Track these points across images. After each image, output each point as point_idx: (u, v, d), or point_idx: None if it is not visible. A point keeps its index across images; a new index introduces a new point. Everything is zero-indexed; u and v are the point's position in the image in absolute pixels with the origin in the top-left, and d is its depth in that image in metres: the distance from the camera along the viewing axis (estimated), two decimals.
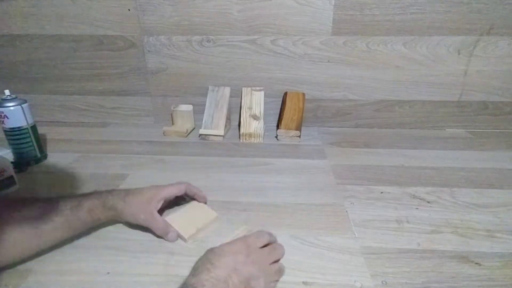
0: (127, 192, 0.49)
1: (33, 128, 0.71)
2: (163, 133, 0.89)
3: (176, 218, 0.50)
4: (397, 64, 0.86)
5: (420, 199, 0.58)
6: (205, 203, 0.55)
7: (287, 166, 0.71)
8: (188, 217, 0.51)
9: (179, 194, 0.51)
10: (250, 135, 0.84)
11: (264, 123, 0.87)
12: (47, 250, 0.44)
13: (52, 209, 0.43)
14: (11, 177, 0.60)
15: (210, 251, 0.38)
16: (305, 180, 0.64)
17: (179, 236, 0.48)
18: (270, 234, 0.43)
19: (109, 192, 0.49)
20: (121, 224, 0.51)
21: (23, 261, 0.42)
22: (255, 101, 0.89)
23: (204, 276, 0.34)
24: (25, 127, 0.69)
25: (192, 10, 0.84)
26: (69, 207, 0.44)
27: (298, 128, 0.84)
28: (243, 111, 0.88)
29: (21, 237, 0.41)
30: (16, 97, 0.68)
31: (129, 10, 0.85)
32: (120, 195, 0.48)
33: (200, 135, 0.86)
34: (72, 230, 0.45)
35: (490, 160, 0.73)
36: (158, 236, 0.47)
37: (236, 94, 0.91)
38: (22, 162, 0.70)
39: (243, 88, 0.90)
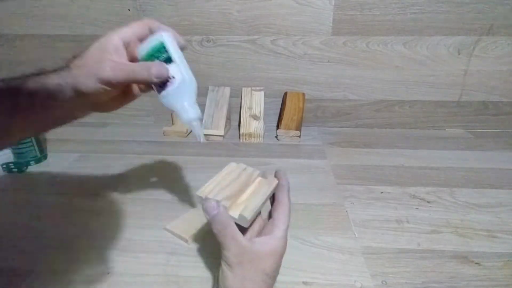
0: (69, 60, 0.37)
1: None
2: (163, 133, 0.89)
3: (177, 223, 0.50)
4: (397, 64, 0.86)
5: (420, 199, 0.58)
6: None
7: (287, 166, 0.71)
8: (188, 221, 0.51)
9: (139, 32, 0.37)
10: (250, 135, 0.84)
11: (264, 123, 0.87)
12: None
13: None
14: None
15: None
16: (305, 180, 0.64)
17: (180, 237, 0.47)
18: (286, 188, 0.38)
19: (53, 71, 0.36)
20: (121, 224, 0.51)
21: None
22: (255, 101, 0.89)
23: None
24: None
25: (192, 10, 0.84)
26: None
27: (298, 128, 0.84)
28: (243, 111, 0.88)
29: None
30: None
31: (129, 10, 0.85)
32: (64, 69, 0.36)
33: None
34: (18, 122, 0.35)
35: (490, 160, 0.73)
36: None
37: (236, 94, 0.91)
38: (22, 162, 0.70)
39: (243, 88, 0.90)
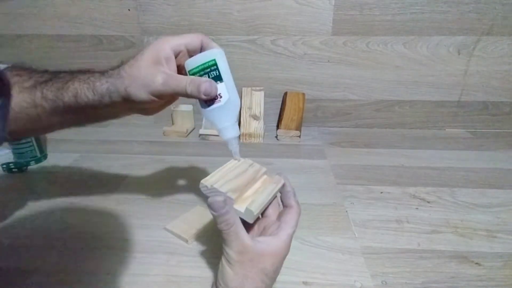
0: (122, 67, 0.37)
1: None
2: (163, 133, 0.89)
3: (177, 223, 0.50)
4: (397, 64, 0.86)
5: (420, 199, 0.58)
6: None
7: (287, 166, 0.71)
8: (188, 221, 0.51)
9: (191, 44, 0.37)
10: (250, 135, 0.84)
11: (264, 123, 0.87)
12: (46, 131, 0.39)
13: (39, 90, 0.35)
14: None
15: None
16: (305, 180, 0.64)
17: (180, 237, 0.47)
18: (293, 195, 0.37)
19: (102, 74, 0.37)
20: (121, 224, 0.51)
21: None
22: (255, 101, 0.89)
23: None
24: None
25: (192, 10, 0.84)
26: (54, 88, 0.35)
27: (298, 128, 0.84)
28: (243, 111, 0.88)
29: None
30: None
31: (129, 10, 0.85)
32: (114, 74, 0.36)
33: (200, 135, 0.86)
34: (61, 116, 0.36)
35: (490, 160, 0.73)
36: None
37: None
38: (22, 162, 0.70)
39: (243, 88, 0.90)
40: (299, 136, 0.84)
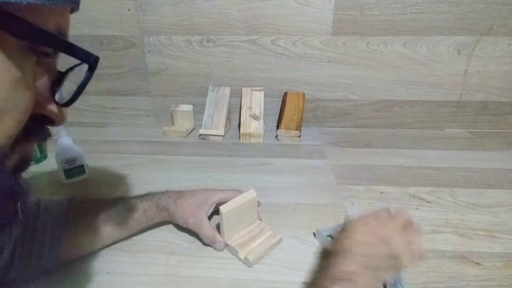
0: (180, 194, 0.49)
1: None
2: (163, 133, 0.89)
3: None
4: (397, 64, 0.86)
5: (420, 199, 0.58)
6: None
7: (287, 166, 0.71)
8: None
9: (228, 199, 0.46)
10: (250, 135, 0.84)
11: (264, 123, 0.87)
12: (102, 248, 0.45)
13: (111, 211, 0.45)
14: (82, 165, 0.65)
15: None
16: (305, 180, 0.64)
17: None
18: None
19: (163, 193, 0.49)
20: None
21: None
22: (255, 101, 0.89)
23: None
24: None
25: (192, 10, 0.84)
26: (126, 209, 0.46)
27: (298, 128, 0.84)
28: (243, 111, 0.88)
29: (83, 238, 0.43)
30: None
31: (129, 10, 0.85)
32: (172, 197, 0.48)
33: (200, 135, 0.86)
34: (129, 231, 0.47)
35: (490, 160, 0.73)
36: (205, 244, 0.46)
37: (236, 94, 0.91)
38: None
39: (243, 88, 0.90)
40: (299, 136, 0.84)
